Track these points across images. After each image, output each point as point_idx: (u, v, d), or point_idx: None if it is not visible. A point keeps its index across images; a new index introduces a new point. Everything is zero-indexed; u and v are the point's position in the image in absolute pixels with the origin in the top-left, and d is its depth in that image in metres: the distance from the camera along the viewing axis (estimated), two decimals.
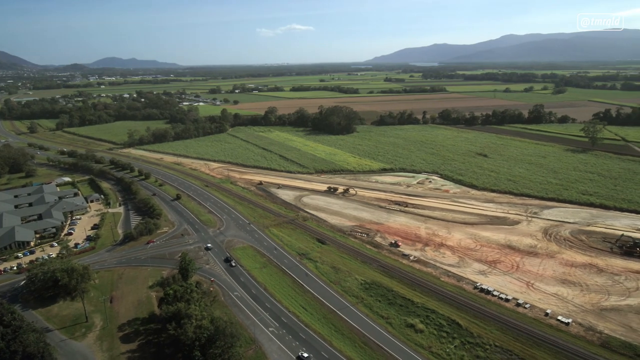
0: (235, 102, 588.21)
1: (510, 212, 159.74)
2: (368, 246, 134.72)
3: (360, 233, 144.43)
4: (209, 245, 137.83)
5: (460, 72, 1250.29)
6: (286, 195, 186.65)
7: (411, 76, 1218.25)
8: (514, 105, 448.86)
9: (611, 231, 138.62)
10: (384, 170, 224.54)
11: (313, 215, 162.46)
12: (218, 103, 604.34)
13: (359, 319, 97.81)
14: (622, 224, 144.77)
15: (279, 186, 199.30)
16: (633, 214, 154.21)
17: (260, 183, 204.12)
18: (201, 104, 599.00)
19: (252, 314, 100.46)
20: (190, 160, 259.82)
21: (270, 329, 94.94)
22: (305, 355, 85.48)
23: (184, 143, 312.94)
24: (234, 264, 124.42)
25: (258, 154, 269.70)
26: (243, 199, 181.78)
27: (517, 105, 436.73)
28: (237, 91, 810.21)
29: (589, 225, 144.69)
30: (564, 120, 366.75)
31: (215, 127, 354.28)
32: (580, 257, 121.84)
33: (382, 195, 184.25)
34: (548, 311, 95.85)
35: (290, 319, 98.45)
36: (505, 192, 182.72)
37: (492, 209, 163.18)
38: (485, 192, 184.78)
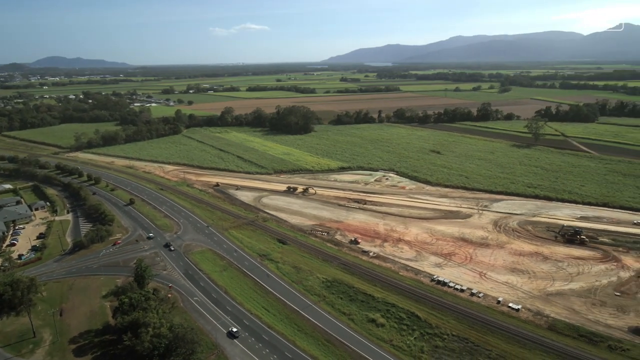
0: (190, 103, 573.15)
1: (462, 206, 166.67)
2: (329, 244, 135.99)
3: (321, 232, 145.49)
4: (168, 242, 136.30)
5: (413, 72, 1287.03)
6: (245, 196, 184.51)
7: (366, 76, 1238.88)
8: (463, 103, 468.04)
9: (554, 221, 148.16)
10: (342, 169, 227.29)
11: (273, 215, 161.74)
12: (172, 104, 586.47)
13: (321, 317, 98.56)
14: (564, 214, 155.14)
15: (238, 187, 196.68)
16: (573, 204, 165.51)
17: (217, 185, 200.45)
18: (154, 104, 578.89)
19: (213, 319, 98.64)
20: (144, 163, 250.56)
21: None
22: (235, 330, 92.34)
23: (137, 145, 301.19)
24: (172, 248, 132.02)
25: (215, 155, 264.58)
26: (201, 202, 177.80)
27: (467, 104, 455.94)
28: (191, 91, 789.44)
29: (534, 216, 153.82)
30: (509, 117, 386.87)
31: (170, 129, 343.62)
32: (527, 247, 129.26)
33: (341, 193, 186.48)
34: (500, 299, 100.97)
35: (253, 321, 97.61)
36: (457, 187, 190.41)
37: (446, 204, 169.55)
38: (439, 188, 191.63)
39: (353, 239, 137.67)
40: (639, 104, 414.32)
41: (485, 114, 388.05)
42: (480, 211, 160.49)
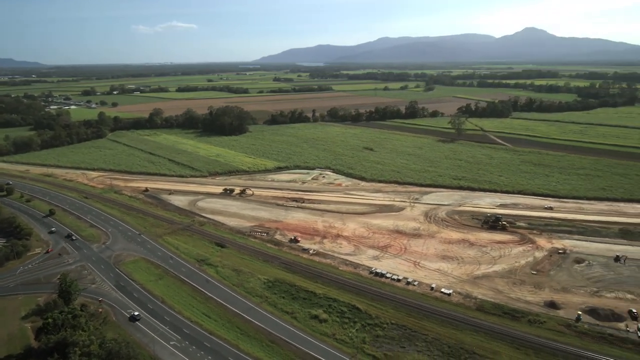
0: (115, 105, 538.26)
1: (396, 199, 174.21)
2: (269, 245, 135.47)
3: (260, 232, 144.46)
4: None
5: (344, 72, 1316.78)
6: (179, 200, 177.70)
7: (299, 76, 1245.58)
8: (392, 102, 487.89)
9: (478, 209, 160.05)
10: (279, 169, 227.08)
11: (210, 219, 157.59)
12: (94, 106, 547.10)
13: (264, 318, 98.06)
14: (486, 203, 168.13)
15: (171, 192, 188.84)
16: (493, 193, 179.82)
17: (147, 190, 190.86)
18: (73, 107, 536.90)
19: (150, 331, 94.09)
20: (64, 171, 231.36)
21: (171, 342, 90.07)
22: (136, 313, 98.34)
23: (55, 152, 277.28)
24: (74, 237, 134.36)
25: (144, 159, 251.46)
26: (131, 209, 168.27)
27: (396, 102, 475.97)
28: (115, 92, 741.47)
29: (460, 206, 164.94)
30: (434, 114, 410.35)
31: (93, 133, 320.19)
32: (455, 235, 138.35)
33: (279, 193, 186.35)
34: (433, 285, 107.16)
35: (193, 329, 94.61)
36: (390, 182, 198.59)
37: (380, 198, 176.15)
38: (373, 183, 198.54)
39: (293, 237, 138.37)
40: (545, 100, 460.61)
41: (413, 112, 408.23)
42: (412, 204, 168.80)
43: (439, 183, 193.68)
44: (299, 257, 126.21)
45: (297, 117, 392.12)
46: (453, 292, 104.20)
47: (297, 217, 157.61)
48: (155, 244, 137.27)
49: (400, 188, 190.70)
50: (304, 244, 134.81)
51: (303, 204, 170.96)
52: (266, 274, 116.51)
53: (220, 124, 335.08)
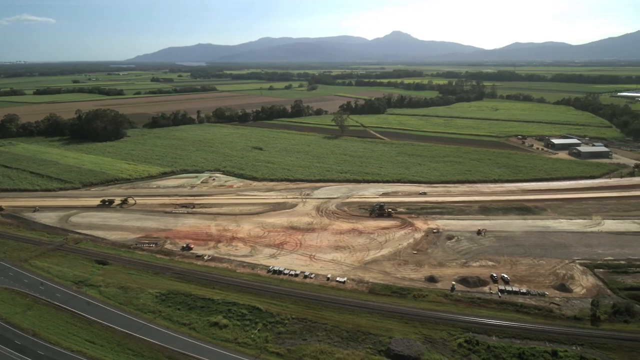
0: None
1: (288, 197, 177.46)
2: (158, 256, 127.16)
3: (148, 244, 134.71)
4: None
5: (228, 72, 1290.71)
6: (47, 218, 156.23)
7: (180, 76, 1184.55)
8: (278, 101, 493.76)
9: (364, 200, 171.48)
10: (164, 174, 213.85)
11: (87, 235, 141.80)
12: None
13: (159, 334, 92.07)
14: (370, 193, 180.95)
15: (36, 209, 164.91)
16: (376, 184, 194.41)
17: (1, 209, 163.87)
18: None
19: None
20: None
21: None
22: None
23: None
24: None
25: None
26: None
27: (281, 101, 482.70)
28: None
29: (348, 198, 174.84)
30: (319, 112, 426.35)
31: None
32: (345, 225, 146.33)
33: (166, 200, 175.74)
34: (329, 276, 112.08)
35: (75, 359, 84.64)
36: (282, 180, 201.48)
37: (273, 197, 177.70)
38: (265, 183, 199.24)
39: (185, 245, 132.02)
40: (413, 97, 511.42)
41: (298, 110, 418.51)
42: (304, 199, 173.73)
43: (327, 178, 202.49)
44: (193, 265, 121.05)
45: (180, 119, 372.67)
46: (347, 279, 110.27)
47: (188, 224, 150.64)
48: (20, 270, 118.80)
49: (291, 185, 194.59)
50: (198, 250, 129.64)
51: (194, 209, 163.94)
52: (158, 287, 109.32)
53: (93, 129, 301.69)
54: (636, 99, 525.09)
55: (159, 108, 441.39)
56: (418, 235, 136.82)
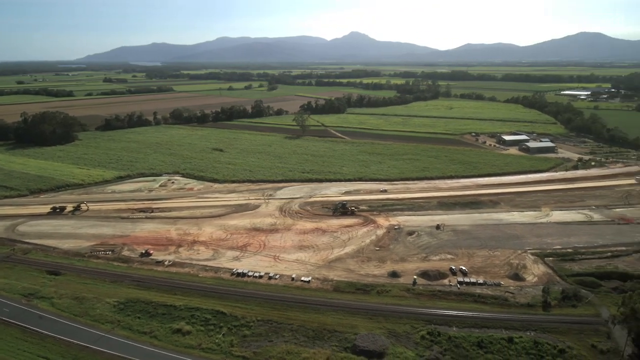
0: None
1: (250, 198, 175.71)
2: (116, 263, 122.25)
3: (104, 251, 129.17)
4: None
5: (185, 72, 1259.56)
6: None
7: (134, 76, 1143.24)
8: (238, 101, 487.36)
9: (327, 199, 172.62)
10: (120, 178, 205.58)
11: (37, 244, 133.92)
12: None
13: (119, 344, 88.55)
14: (332, 192, 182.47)
15: None
16: (338, 182, 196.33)
17: None
18: None
19: None
20: None
21: None
22: None
23: None
24: None
25: None
26: None
27: (241, 102, 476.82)
28: None
29: (311, 197, 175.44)
30: (280, 112, 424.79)
31: None
32: (309, 225, 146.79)
33: (122, 205, 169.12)
34: (293, 276, 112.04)
35: None
36: (244, 181, 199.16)
37: (235, 199, 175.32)
38: (227, 184, 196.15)
39: (144, 251, 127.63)
40: (372, 97, 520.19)
41: (259, 111, 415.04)
42: (267, 200, 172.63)
43: (289, 178, 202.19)
44: (153, 271, 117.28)
45: (136, 121, 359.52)
46: (312, 278, 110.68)
47: (146, 229, 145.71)
48: None
49: (253, 186, 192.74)
50: (158, 256, 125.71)
51: (152, 214, 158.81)
52: (116, 296, 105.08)
53: (40, 133, 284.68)
54: (578, 97, 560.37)
55: (113, 110, 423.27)
56: (380, 232, 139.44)
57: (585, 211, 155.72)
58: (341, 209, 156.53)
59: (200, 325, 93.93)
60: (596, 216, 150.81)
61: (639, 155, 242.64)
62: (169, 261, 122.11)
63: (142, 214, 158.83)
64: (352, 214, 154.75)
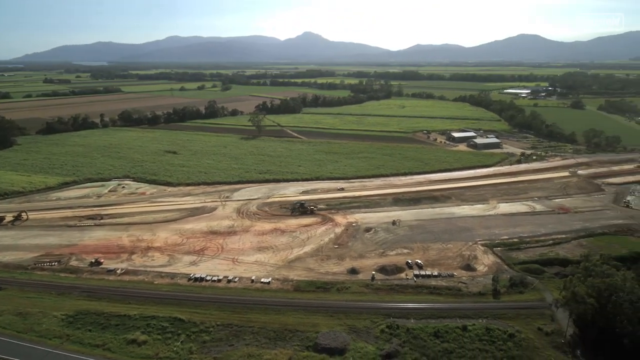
0: None
1: (207, 200, 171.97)
2: (63, 274, 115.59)
3: (49, 262, 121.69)
4: None
5: (134, 72, 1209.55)
6: None
7: (78, 77, 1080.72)
8: (191, 102, 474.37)
9: (285, 199, 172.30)
10: (65, 185, 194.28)
11: None
12: None
13: (68, 359, 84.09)
14: (290, 191, 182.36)
15: None
16: (295, 182, 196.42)
17: None
18: None
19: None
20: None
21: None
22: None
23: None
24: None
25: None
26: None
27: (194, 102, 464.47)
28: None
29: (269, 198, 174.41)
30: (234, 113, 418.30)
31: None
32: (267, 225, 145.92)
33: (69, 212, 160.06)
34: (253, 278, 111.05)
35: None
36: (199, 184, 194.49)
37: (190, 202, 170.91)
38: (181, 187, 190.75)
39: (94, 260, 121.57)
40: (327, 96, 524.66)
41: (213, 111, 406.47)
42: (224, 202, 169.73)
43: (246, 179, 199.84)
44: (105, 281, 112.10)
45: (81, 124, 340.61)
46: (272, 279, 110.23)
47: (96, 237, 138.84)
48: None
49: (209, 188, 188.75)
50: (109, 264, 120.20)
51: (102, 221, 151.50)
52: (64, 309, 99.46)
53: None
54: (519, 95, 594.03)
55: (55, 112, 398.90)
56: (338, 230, 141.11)
57: (529, 202, 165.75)
58: (300, 209, 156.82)
59: (157, 334, 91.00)
60: (538, 207, 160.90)
61: (575, 149, 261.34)
62: (122, 269, 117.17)
63: (90, 222, 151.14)
64: (311, 213, 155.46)
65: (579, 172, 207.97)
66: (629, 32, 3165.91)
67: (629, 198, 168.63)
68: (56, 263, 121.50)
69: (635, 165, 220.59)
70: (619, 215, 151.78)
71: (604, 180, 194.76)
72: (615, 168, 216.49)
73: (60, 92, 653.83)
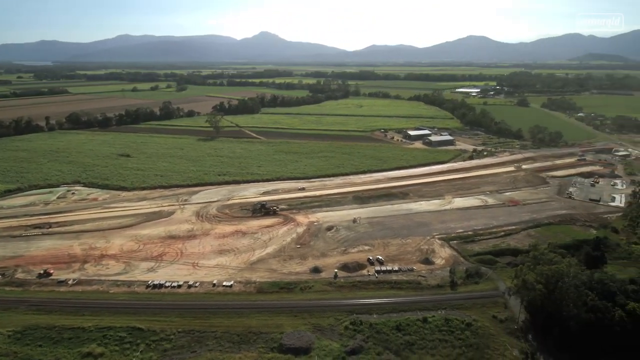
0: None
1: (164, 204, 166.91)
2: (8, 288, 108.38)
3: None
4: None
5: (82, 72, 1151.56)
6: None
7: (19, 77, 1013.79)
8: (144, 103, 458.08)
9: (245, 200, 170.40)
10: (8, 192, 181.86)
11: None
12: None
13: None
14: (251, 193, 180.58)
15: None
16: (256, 183, 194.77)
17: None
18: None
19: None
20: None
21: None
22: None
23: None
24: None
25: None
26: None
27: (148, 103, 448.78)
28: None
29: (229, 200, 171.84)
30: (191, 114, 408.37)
31: None
32: (228, 228, 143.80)
33: (13, 222, 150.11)
34: (214, 282, 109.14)
35: None
36: (155, 187, 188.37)
37: (146, 206, 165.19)
38: (136, 192, 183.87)
39: (42, 271, 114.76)
40: (285, 96, 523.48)
41: (168, 113, 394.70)
42: (182, 206, 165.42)
43: (205, 181, 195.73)
44: (55, 292, 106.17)
45: (24, 127, 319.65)
46: (234, 282, 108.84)
47: (44, 246, 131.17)
48: None
49: (167, 192, 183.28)
50: (60, 275, 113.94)
51: (50, 229, 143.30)
52: (10, 325, 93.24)
53: None
54: (470, 94, 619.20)
55: None
56: (300, 230, 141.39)
57: (481, 196, 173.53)
58: (261, 210, 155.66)
59: (115, 345, 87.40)
60: (490, 200, 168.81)
61: (521, 145, 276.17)
62: (74, 280, 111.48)
63: (37, 230, 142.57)
64: (273, 213, 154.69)
65: (524, 166, 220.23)
66: (567, 35, 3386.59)
67: (571, 189, 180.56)
68: (0, 276, 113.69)
69: (576, 158, 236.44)
70: (562, 205, 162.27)
71: (548, 173, 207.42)
72: (558, 162, 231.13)
73: (1, 93, 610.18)
